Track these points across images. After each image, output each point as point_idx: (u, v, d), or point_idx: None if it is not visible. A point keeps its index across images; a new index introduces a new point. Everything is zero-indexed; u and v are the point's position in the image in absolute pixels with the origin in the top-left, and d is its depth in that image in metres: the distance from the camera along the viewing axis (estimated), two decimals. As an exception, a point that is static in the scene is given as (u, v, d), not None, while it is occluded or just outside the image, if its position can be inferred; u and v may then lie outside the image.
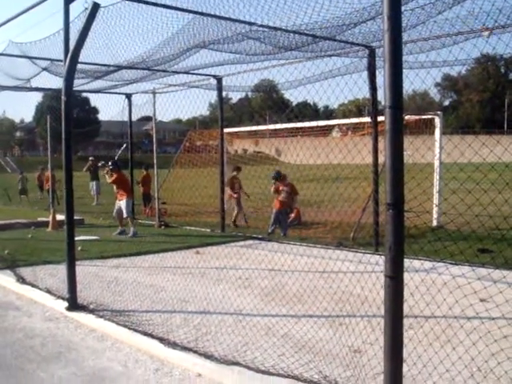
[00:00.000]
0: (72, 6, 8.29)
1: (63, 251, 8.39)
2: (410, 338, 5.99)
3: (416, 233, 12.28)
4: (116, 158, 17.12)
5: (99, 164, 16.21)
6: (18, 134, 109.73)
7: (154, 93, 17.66)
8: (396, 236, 4.05)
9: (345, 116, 72.40)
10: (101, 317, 7.57)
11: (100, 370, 5.92)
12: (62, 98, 8.13)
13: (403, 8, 8.22)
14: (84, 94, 62.21)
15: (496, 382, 5.09)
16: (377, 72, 12.01)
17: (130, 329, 6.99)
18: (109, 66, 13.64)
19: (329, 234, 14.93)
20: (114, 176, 15.87)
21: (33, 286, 9.49)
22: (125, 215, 15.60)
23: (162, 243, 14.07)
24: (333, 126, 22.30)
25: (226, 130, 19.41)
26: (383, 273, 4.12)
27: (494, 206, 6.86)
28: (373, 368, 5.34)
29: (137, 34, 10.72)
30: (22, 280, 9.89)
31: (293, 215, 17.05)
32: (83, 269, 10.25)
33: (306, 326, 6.94)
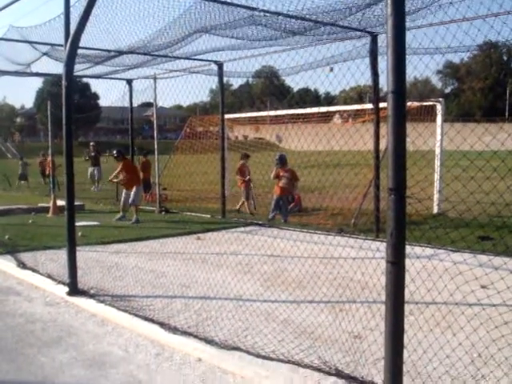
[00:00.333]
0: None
1: (64, 236, 8.39)
2: (410, 323, 6.00)
3: (417, 219, 12.26)
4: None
5: (106, 153, 16.07)
6: (18, 119, 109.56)
7: (154, 78, 17.58)
8: (397, 221, 4.03)
9: (346, 103, 72.23)
10: (101, 302, 7.58)
11: (100, 354, 5.93)
12: (63, 83, 8.08)
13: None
14: (85, 80, 62.03)
15: (497, 368, 5.10)
16: (379, 57, 11.96)
17: (130, 314, 6.99)
18: (110, 51, 13.58)
19: (329, 220, 14.92)
20: (121, 165, 15.79)
21: (33, 271, 9.50)
22: (130, 202, 15.55)
23: (163, 229, 14.08)
24: (334, 113, 22.22)
25: (227, 116, 19.35)
26: (384, 258, 4.11)
27: (496, 193, 6.83)
28: (373, 354, 5.34)
29: (138, 19, 10.67)
30: (22, 265, 9.89)
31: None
32: (84, 254, 10.27)
33: (306, 311, 6.94)
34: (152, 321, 6.67)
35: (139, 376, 5.32)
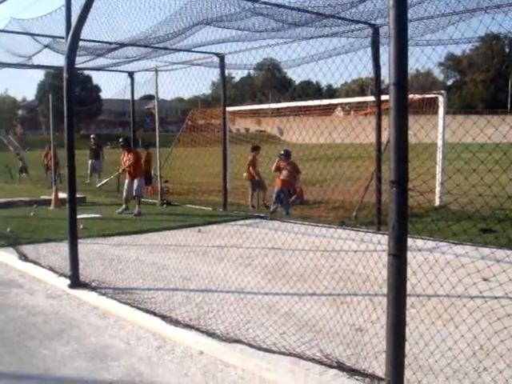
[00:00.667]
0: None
1: (65, 229, 8.39)
2: (412, 316, 6.00)
3: (419, 212, 12.25)
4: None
5: (108, 146, 15.98)
6: (20, 112, 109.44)
7: (156, 70, 17.55)
8: (399, 214, 4.03)
9: (348, 95, 72.12)
10: (103, 294, 7.58)
11: (102, 347, 5.93)
12: (64, 75, 8.06)
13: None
14: (86, 72, 61.93)
15: (498, 360, 5.09)
16: (381, 49, 11.93)
17: (132, 306, 7.00)
18: (111, 43, 13.55)
19: (331, 213, 14.92)
20: (131, 155, 15.74)
21: (35, 263, 9.51)
22: (134, 193, 15.54)
23: (164, 221, 14.09)
24: (336, 106, 22.17)
25: (229, 109, 19.30)
26: (386, 251, 4.10)
27: (498, 186, 6.82)
28: (374, 346, 5.34)
29: (139, 11, 10.63)
30: (24, 257, 9.90)
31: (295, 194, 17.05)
32: (85, 247, 10.28)
33: (308, 304, 6.94)
34: (154, 313, 6.68)
35: (141, 368, 5.33)
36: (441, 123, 15.06)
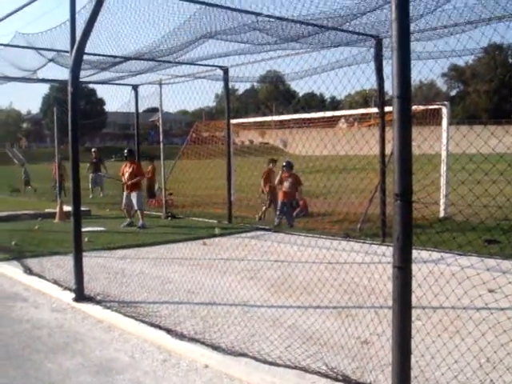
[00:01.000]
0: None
1: (70, 242, 8.41)
2: (417, 329, 5.97)
3: (424, 223, 12.23)
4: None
5: (112, 158, 15.91)
6: (24, 125, 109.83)
7: (160, 84, 17.63)
8: (404, 226, 4.02)
9: (351, 107, 72.18)
10: (108, 308, 7.58)
11: (107, 360, 5.92)
12: (69, 89, 8.11)
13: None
14: (90, 86, 62.24)
15: (505, 373, 5.06)
16: (384, 62, 11.95)
17: (137, 320, 6.99)
18: (115, 56, 13.61)
19: (336, 225, 14.90)
20: (133, 167, 15.78)
21: (40, 276, 9.51)
22: (136, 207, 15.57)
23: (169, 234, 14.09)
24: (339, 117, 22.21)
25: (233, 121, 19.34)
26: (391, 263, 4.09)
27: (503, 197, 6.81)
28: (380, 359, 5.32)
29: (143, 25, 10.69)
30: (29, 271, 9.91)
31: (299, 205, 17.05)
32: (90, 260, 10.27)
33: (313, 317, 6.92)
34: (158, 327, 6.67)
35: (146, 382, 5.31)
36: (444, 135, 15.05)
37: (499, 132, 6.72)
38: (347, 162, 13.93)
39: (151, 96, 19.22)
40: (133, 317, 7.11)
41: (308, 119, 18.43)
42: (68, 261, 9.46)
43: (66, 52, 10.76)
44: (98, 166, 26.73)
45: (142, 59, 14.06)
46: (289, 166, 15.75)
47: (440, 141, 14.59)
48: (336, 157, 12.20)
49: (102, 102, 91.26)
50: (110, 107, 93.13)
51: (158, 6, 9.89)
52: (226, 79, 16.26)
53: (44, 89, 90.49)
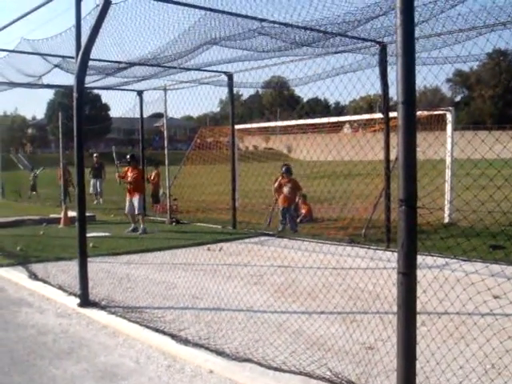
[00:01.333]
0: (84, 3, 8.32)
1: (75, 248, 8.41)
2: (422, 335, 5.96)
3: (428, 229, 12.21)
4: (116, 164, 16.71)
5: (117, 164, 15.85)
6: (29, 130, 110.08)
7: (165, 89, 17.67)
8: (409, 232, 4.02)
9: (356, 112, 72.23)
10: (112, 313, 7.59)
11: (112, 366, 5.93)
12: (74, 94, 8.15)
13: (416, 3, 8.16)
14: (95, 91, 62.37)
15: (510, 379, 5.05)
16: (389, 68, 11.96)
17: (141, 325, 7.00)
18: (120, 62, 13.66)
19: (340, 231, 14.89)
20: (135, 172, 15.83)
21: (45, 282, 9.53)
22: (137, 212, 15.64)
23: (174, 239, 14.09)
24: (344, 123, 22.23)
25: (237, 127, 19.36)
26: (396, 269, 4.09)
27: (508, 203, 6.80)
28: (385, 365, 5.31)
29: (148, 31, 10.73)
30: (34, 276, 9.93)
31: (304, 211, 17.05)
32: (95, 265, 10.28)
33: (318, 322, 6.91)
34: (163, 332, 6.68)
35: (150, 388, 5.31)
36: (449, 141, 15.03)
37: (504, 137, 6.72)
38: (352, 168, 13.94)
39: (156, 102, 19.27)
40: (137, 322, 7.12)
41: (312, 125, 18.44)
42: (73, 266, 9.49)
43: (72, 58, 10.81)
44: (100, 171, 26.56)
45: (147, 65, 14.09)
46: (288, 171, 15.75)
47: (445, 146, 14.58)
48: (341, 162, 12.23)
49: (106, 108, 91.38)
50: (114, 113, 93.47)
51: (162, 12, 9.92)
52: (230, 85, 16.30)
53: (49, 94, 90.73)
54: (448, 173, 14.88)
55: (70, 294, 8.63)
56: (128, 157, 16.28)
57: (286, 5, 8.78)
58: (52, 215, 18.73)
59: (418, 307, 4.14)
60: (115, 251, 12.39)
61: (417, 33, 10.35)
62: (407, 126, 4.04)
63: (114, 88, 18.70)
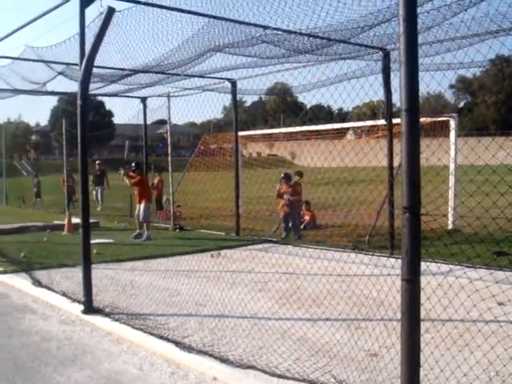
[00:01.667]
0: (88, 11, 8.35)
1: (79, 254, 8.42)
2: (426, 342, 5.95)
3: (432, 236, 12.19)
4: (125, 157, 16.81)
5: (121, 171, 15.83)
6: (33, 137, 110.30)
7: (168, 96, 17.71)
8: (412, 239, 4.03)
9: (359, 119, 72.21)
10: (116, 320, 7.59)
11: (116, 373, 5.93)
12: (78, 101, 8.17)
13: (419, 10, 8.17)
14: (99, 98, 62.52)
15: (514, 387, 5.04)
16: (392, 74, 11.98)
17: (145, 332, 7.00)
18: (124, 69, 13.70)
19: (344, 238, 14.87)
20: (137, 177, 15.89)
21: (48, 289, 9.54)
22: (141, 220, 15.65)
23: (177, 246, 14.10)
24: (347, 129, 22.24)
25: (241, 134, 19.37)
26: (400, 276, 4.09)
27: (511, 209, 6.80)
28: (390, 372, 5.30)
29: (151, 39, 10.77)
30: (37, 283, 9.94)
31: (307, 218, 17.04)
32: (98, 272, 10.29)
33: (322, 329, 6.90)
34: (167, 339, 6.68)
35: (154, 395, 5.31)
36: (453, 147, 15.02)
37: (507, 144, 6.72)
38: (356, 174, 13.94)
39: (159, 108, 19.31)
40: (141, 329, 7.12)
41: (316, 131, 18.45)
42: (76, 273, 9.49)
43: (75, 65, 10.85)
44: (102, 178, 26.33)
45: (151, 72, 14.14)
46: (287, 178, 15.81)
47: (448, 153, 14.57)
48: (345, 169, 12.22)
49: (110, 114, 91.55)
50: (118, 119, 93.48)
51: (166, 19, 9.95)
52: (233, 92, 16.34)
53: (52, 101, 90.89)
54: (452, 179, 14.86)
55: (74, 300, 8.64)
56: (133, 164, 16.33)
57: (289, 13, 8.79)
58: (56, 222, 18.77)
59: (422, 314, 4.14)
60: (119, 258, 12.39)
61: (419, 39, 10.35)
62: (411, 133, 4.04)
63: (118, 95, 18.76)
